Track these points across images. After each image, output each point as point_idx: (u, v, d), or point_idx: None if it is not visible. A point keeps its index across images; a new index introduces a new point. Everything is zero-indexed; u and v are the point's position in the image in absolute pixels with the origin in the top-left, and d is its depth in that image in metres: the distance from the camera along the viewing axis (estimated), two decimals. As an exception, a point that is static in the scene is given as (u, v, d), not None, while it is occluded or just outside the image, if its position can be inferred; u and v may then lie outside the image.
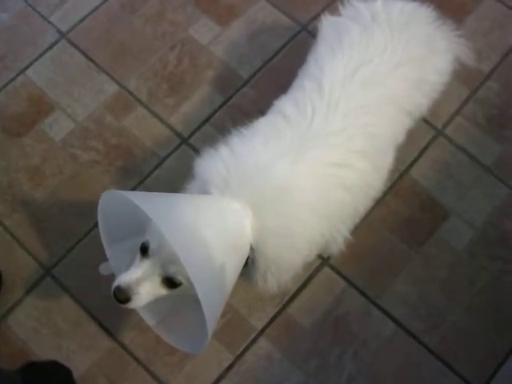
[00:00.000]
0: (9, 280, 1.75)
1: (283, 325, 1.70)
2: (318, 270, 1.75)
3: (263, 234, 1.32)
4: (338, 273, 1.75)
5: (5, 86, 1.96)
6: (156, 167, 1.86)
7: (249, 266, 1.38)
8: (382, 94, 1.45)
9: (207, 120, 1.91)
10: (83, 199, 1.83)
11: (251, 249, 1.33)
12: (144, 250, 1.26)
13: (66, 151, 1.88)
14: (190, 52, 2.00)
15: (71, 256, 1.77)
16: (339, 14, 1.64)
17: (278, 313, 1.71)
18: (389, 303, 1.72)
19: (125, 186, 1.84)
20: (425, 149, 1.88)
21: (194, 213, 1.23)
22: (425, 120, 1.89)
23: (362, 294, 1.73)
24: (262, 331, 1.70)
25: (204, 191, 1.36)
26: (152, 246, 1.25)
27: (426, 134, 1.90)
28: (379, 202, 1.80)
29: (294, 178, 1.34)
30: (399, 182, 1.84)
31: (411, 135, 1.77)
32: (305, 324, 1.70)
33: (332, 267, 1.75)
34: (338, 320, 1.71)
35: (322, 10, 2.01)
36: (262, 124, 1.45)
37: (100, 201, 1.30)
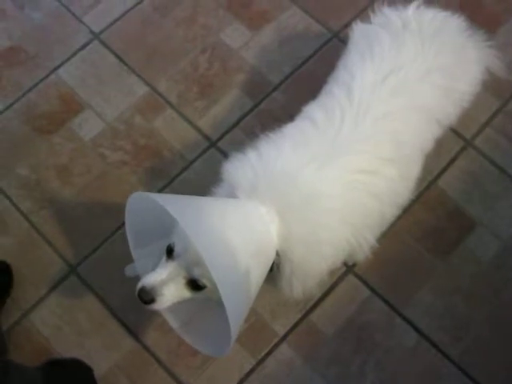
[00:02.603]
0: (33, 277, 1.75)
1: (305, 331, 1.69)
2: (342, 277, 1.73)
3: (289, 240, 1.30)
4: (363, 281, 1.73)
5: (36, 84, 1.97)
6: (184, 169, 1.85)
7: (274, 272, 1.37)
8: (411, 101, 1.43)
9: (236, 124, 1.91)
10: (110, 199, 1.83)
11: (277, 254, 1.31)
12: (169, 252, 1.26)
13: (95, 151, 1.89)
14: (221, 56, 2.00)
15: (96, 255, 1.77)
16: (370, 22, 1.62)
17: (301, 319, 1.69)
18: (412, 313, 1.70)
19: (152, 187, 1.84)
20: (453, 159, 1.86)
21: (220, 216, 1.23)
22: (454, 130, 1.86)
23: (386, 302, 1.71)
24: (285, 337, 1.68)
25: (231, 195, 1.35)
26: (177, 249, 1.24)
27: (455, 145, 1.88)
28: (406, 211, 1.76)
29: (322, 184, 1.32)
30: (426, 192, 1.82)
31: (440, 145, 1.75)
32: (327, 331, 1.68)
33: (356, 275, 1.73)
34: (361, 328, 1.69)
35: (354, 18, 1.98)
36: (291, 129, 1.44)
37: (128, 202, 1.29)
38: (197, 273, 1.23)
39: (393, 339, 1.68)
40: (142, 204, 1.28)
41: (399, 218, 1.72)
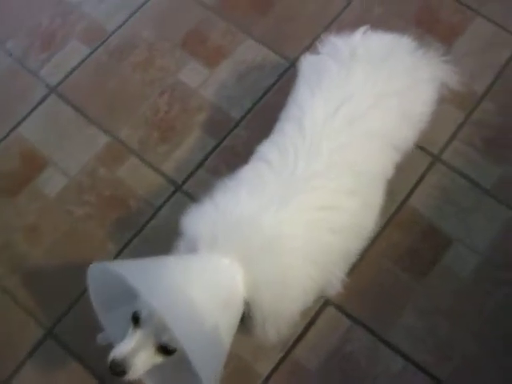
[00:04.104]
0: (9, 343, 1.77)
1: (289, 370, 1.71)
2: (321, 310, 1.75)
3: (256, 287, 1.33)
4: (343, 311, 1.75)
5: (-3, 143, 2.04)
6: (151, 217, 1.89)
7: (246, 320, 1.39)
8: (365, 130, 1.48)
9: (200, 165, 1.95)
10: (80, 256, 1.86)
11: (246, 303, 1.34)
12: (136, 320, 1.29)
13: (61, 207, 1.93)
14: (180, 97, 2.05)
15: (71, 315, 1.79)
16: (318, 53, 1.67)
17: (283, 358, 1.71)
18: (396, 337, 1.73)
19: (121, 238, 1.87)
20: (422, 176, 1.90)
21: (182, 276, 1.27)
22: (420, 147, 1.90)
23: (369, 330, 1.73)
24: (268, 378, 1.70)
25: (193, 249, 1.38)
26: (143, 316, 1.27)
27: (423, 161, 1.92)
28: (379, 235, 1.82)
29: (281, 227, 1.36)
30: (398, 213, 1.85)
31: (407, 163, 1.80)
32: (311, 367, 1.70)
33: (335, 305, 1.76)
34: (346, 359, 1.72)
35: (310, 45, 2.05)
36: (246, 173, 1.48)
37: (88, 274, 1.33)
38: (165, 338, 1.26)
39: (379, 366, 1.71)
40: (104, 272, 1.31)
41: (373, 242, 1.78)
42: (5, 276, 1.86)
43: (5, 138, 2.03)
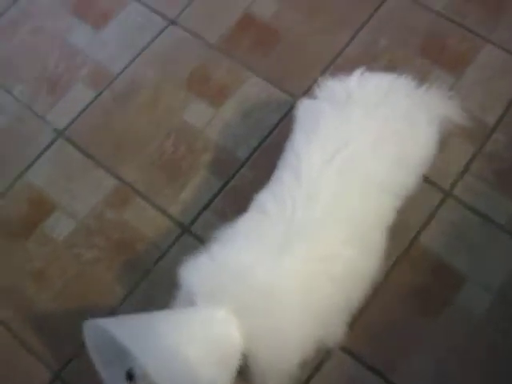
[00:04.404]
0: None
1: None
2: (329, 353, 1.72)
3: (253, 340, 1.33)
4: (351, 354, 1.72)
5: (6, 190, 2.04)
6: (159, 259, 1.89)
7: (244, 371, 1.39)
8: (362, 177, 1.47)
9: (207, 206, 1.94)
10: (88, 300, 1.87)
11: (244, 355, 1.34)
12: (130, 378, 1.29)
13: (69, 251, 1.94)
14: (186, 138, 2.05)
15: (79, 359, 1.79)
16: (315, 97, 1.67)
17: (289, 405, 1.72)
18: (406, 381, 1.69)
19: (129, 281, 1.87)
20: (433, 213, 1.87)
21: (177, 335, 1.27)
22: (431, 182, 1.88)
23: (379, 374, 1.70)
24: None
25: (190, 301, 1.38)
26: (137, 373, 1.28)
27: (434, 197, 1.88)
28: (389, 273, 1.80)
29: (278, 279, 1.35)
30: (409, 251, 1.82)
31: (418, 199, 1.78)
32: (319, 415, 1.69)
33: (344, 349, 1.73)
34: (355, 406, 1.71)
35: (315, 80, 2.02)
36: (243, 223, 1.48)
37: (84, 331, 1.34)
38: (160, 397, 1.27)
39: (390, 412, 1.70)
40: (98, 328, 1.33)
41: (383, 281, 1.76)
42: (13, 320, 1.87)
43: (13, 183, 2.05)
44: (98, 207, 1.99)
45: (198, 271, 1.40)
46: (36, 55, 2.26)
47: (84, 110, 2.13)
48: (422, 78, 1.90)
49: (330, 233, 1.42)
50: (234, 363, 1.33)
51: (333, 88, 1.63)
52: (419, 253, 1.83)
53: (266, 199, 1.50)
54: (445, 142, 1.83)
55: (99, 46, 2.24)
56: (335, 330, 1.47)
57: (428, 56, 2.08)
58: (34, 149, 2.10)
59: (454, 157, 1.93)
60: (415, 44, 2.11)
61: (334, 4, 2.22)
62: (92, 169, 2.04)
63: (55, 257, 1.94)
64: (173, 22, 2.24)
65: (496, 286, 1.77)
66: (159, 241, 1.92)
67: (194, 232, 1.92)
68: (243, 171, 1.99)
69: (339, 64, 2.10)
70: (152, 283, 1.87)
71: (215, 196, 1.96)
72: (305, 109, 1.66)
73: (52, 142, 2.10)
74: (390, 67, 2.05)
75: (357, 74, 1.64)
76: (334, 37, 2.15)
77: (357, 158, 1.48)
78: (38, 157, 2.08)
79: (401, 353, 1.73)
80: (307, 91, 2.04)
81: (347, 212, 1.45)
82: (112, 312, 1.83)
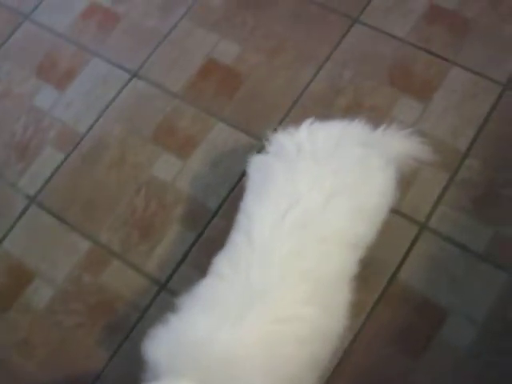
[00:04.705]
0: None
1: None
2: (316, 400, 1.74)
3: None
4: (338, 399, 1.73)
5: (-16, 262, 2.08)
6: (139, 319, 1.89)
7: None
8: (316, 233, 1.44)
9: (182, 260, 1.94)
10: (71, 366, 1.88)
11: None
12: None
13: (50, 319, 1.95)
14: (156, 192, 2.05)
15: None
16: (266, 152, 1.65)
17: None
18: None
19: (111, 344, 1.87)
20: (410, 248, 1.84)
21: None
22: (405, 215, 1.87)
23: (366, 420, 1.71)
24: None
25: (156, 374, 1.37)
26: None
27: (409, 231, 1.86)
28: (369, 315, 1.79)
29: (237, 345, 1.33)
30: (388, 289, 1.81)
31: (393, 235, 1.77)
32: None
33: (330, 393, 1.74)
34: None
35: (281, 121, 2.06)
36: (201, 289, 1.46)
37: None
38: None
39: None
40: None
41: (364, 323, 1.76)
42: (1, 395, 1.92)
43: (-9, 254, 2.10)
44: (74, 272, 1.99)
45: (158, 345, 1.39)
46: (4, 121, 2.27)
47: (54, 173, 2.14)
48: (384, 113, 1.91)
49: (288, 293, 1.39)
50: None
51: (282, 142, 1.59)
52: (399, 290, 1.81)
53: (221, 263, 1.48)
54: (416, 174, 1.83)
55: (64, 107, 2.24)
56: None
57: (395, 84, 2.06)
58: (8, 218, 2.11)
59: (427, 188, 1.91)
60: (381, 73, 2.09)
61: (296, 41, 2.20)
62: (66, 233, 2.05)
63: (37, 326, 1.95)
64: (135, 75, 2.24)
65: (480, 317, 1.75)
66: (137, 300, 1.92)
67: (171, 288, 1.91)
68: (215, 221, 1.98)
69: (304, 101, 2.09)
70: (134, 343, 1.86)
71: (190, 249, 1.96)
72: (255, 166, 1.64)
73: (25, 210, 2.11)
74: (355, 103, 2.06)
75: (306, 124, 1.61)
76: (297, 74, 2.14)
77: (309, 215, 1.44)
78: (14, 225, 2.09)
79: (387, 395, 1.74)
80: (273, 133, 2.04)
81: (304, 271, 1.41)
82: (97, 377, 1.85)
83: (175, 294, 1.85)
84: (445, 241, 1.85)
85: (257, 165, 1.63)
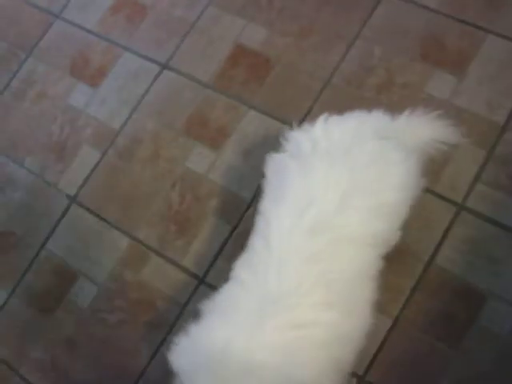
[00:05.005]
0: None
1: None
2: (355, 390, 1.75)
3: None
4: (377, 391, 1.73)
5: (30, 264, 2.14)
6: (179, 315, 1.94)
7: None
8: (334, 234, 1.41)
9: (219, 254, 1.96)
10: (118, 362, 1.95)
11: None
12: None
13: (95, 316, 2.02)
14: (191, 185, 2.07)
15: None
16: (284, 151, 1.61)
17: None
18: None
19: (153, 341, 1.93)
20: (447, 230, 1.80)
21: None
22: (442, 197, 1.83)
23: (408, 409, 1.70)
24: None
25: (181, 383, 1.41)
26: None
27: (446, 213, 1.82)
28: (407, 302, 1.77)
29: (256, 353, 1.33)
30: (425, 275, 1.78)
31: (429, 218, 1.74)
32: None
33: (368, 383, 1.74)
34: None
35: (312, 105, 2.03)
36: (221, 295, 1.47)
37: None
38: None
39: None
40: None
41: (401, 310, 1.74)
42: (52, 394, 2.02)
43: (37, 255, 2.14)
44: (116, 269, 2.05)
45: (180, 354, 1.41)
46: (41, 123, 2.33)
47: (92, 171, 2.19)
48: (417, 90, 1.86)
49: (306, 299, 1.37)
50: None
51: (298, 139, 1.56)
52: (436, 275, 1.78)
53: (241, 268, 1.48)
54: (451, 152, 1.75)
55: (99, 104, 2.28)
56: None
57: (427, 59, 2.00)
58: (51, 219, 2.18)
59: (464, 166, 1.86)
60: (412, 48, 2.03)
61: (323, 21, 2.16)
62: (106, 231, 2.11)
63: (83, 324, 2.03)
64: (165, 67, 2.25)
65: (521, 301, 1.72)
66: (177, 296, 1.96)
67: (209, 282, 1.94)
68: (250, 213, 1.99)
69: (335, 84, 2.05)
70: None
71: (225, 242, 1.98)
72: (272, 165, 1.61)
73: (67, 210, 2.17)
74: (387, 81, 2.01)
75: (321, 120, 1.55)
76: (326, 55, 2.10)
77: (326, 216, 1.42)
78: (56, 226, 2.16)
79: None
80: (304, 118, 2.03)
81: (322, 274, 1.39)
82: (141, 374, 1.92)
83: (213, 287, 1.89)
84: (483, 221, 1.80)
85: (273, 165, 1.60)
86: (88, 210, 2.16)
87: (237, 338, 1.35)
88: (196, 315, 1.48)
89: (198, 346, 1.40)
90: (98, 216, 2.14)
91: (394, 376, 1.73)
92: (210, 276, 1.96)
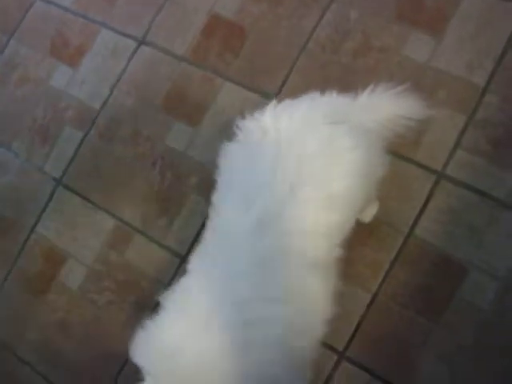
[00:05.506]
0: None
1: None
2: (336, 367, 1.71)
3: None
4: (359, 365, 1.70)
5: (22, 248, 2.16)
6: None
7: None
8: (283, 226, 1.34)
9: (200, 232, 1.94)
10: (107, 343, 1.98)
11: None
12: None
13: (85, 298, 2.04)
14: (171, 163, 2.05)
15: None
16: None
17: None
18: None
19: (140, 319, 1.93)
20: (427, 200, 1.75)
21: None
22: (420, 165, 1.76)
23: (388, 383, 1.68)
24: None
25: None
26: None
27: (425, 182, 1.76)
28: (386, 275, 1.73)
29: (207, 354, 1.31)
30: (404, 247, 1.73)
31: (408, 189, 1.69)
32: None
33: (350, 360, 1.71)
34: (368, 419, 1.69)
35: (288, 74, 1.96)
36: (176, 290, 1.43)
37: None
38: None
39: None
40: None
41: (380, 284, 1.71)
42: (49, 372, 2.03)
43: (27, 239, 2.16)
44: (103, 251, 2.06)
45: (139, 350, 1.39)
46: (25, 106, 2.32)
47: (75, 153, 2.18)
48: (394, 53, 1.80)
49: (256, 292, 1.33)
50: None
51: (250, 128, 1.47)
52: (416, 247, 1.74)
53: (194, 260, 1.45)
54: (429, 119, 1.67)
55: (79, 84, 2.26)
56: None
57: (404, 19, 1.90)
58: (39, 202, 2.19)
59: (443, 133, 1.78)
60: (388, 9, 1.92)
61: (297, -15, 2.08)
62: (92, 212, 2.11)
63: (74, 305, 2.06)
64: (142, 42, 2.21)
65: (502, 273, 1.66)
66: (160, 275, 1.97)
67: (192, 260, 1.94)
68: (238, 190, 1.96)
69: (311, 50, 1.97)
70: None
71: (206, 220, 1.93)
72: (225, 155, 1.51)
73: (53, 192, 2.18)
74: (364, 45, 1.92)
75: (270, 107, 1.47)
76: (301, 21, 2.01)
77: (273, 209, 1.34)
78: (44, 209, 2.17)
79: (410, 358, 1.68)
80: (281, 87, 1.97)
81: (272, 268, 1.34)
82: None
83: (196, 266, 1.91)
84: (464, 189, 1.73)
85: (227, 153, 1.51)
86: (74, 192, 2.16)
87: (189, 337, 1.33)
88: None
89: (154, 343, 1.38)
90: (83, 198, 2.14)
91: (375, 351, 1.71)
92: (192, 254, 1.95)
